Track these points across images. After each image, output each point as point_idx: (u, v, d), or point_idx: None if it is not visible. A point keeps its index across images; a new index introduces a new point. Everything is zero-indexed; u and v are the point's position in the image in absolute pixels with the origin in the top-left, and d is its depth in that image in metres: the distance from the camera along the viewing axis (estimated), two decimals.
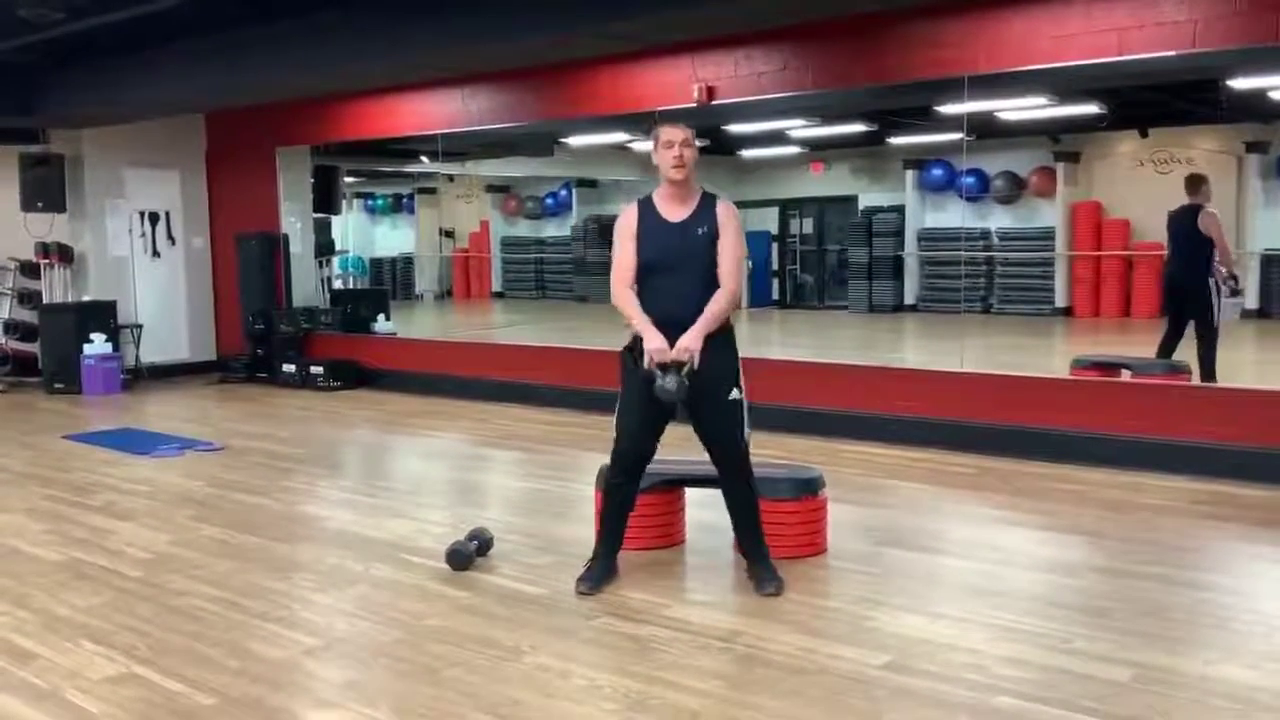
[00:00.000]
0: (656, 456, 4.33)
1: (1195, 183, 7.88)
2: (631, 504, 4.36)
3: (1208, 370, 7.32)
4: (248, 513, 5.75)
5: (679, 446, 4.51)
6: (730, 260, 4.11)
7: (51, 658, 3.70)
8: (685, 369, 4.00)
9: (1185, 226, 7.72)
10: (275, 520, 5.62)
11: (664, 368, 4.01)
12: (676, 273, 4.11)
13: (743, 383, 4.24)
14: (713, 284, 4.14)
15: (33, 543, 5.19)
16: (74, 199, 10.91)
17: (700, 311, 4.07)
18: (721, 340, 4.18)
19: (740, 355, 4.28)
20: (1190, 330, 7.64)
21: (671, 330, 4.06)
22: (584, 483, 5.17)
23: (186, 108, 10.74)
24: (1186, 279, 7.75)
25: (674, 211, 4.16)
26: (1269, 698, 3.23)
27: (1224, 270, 7.78)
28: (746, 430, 4.26)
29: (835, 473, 5.54)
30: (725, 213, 4.16)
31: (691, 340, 4.02)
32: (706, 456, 4.33)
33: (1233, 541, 5.14)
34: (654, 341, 4.03)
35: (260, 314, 10.98)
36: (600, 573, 4.29)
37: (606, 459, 4.39)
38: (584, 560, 4.38)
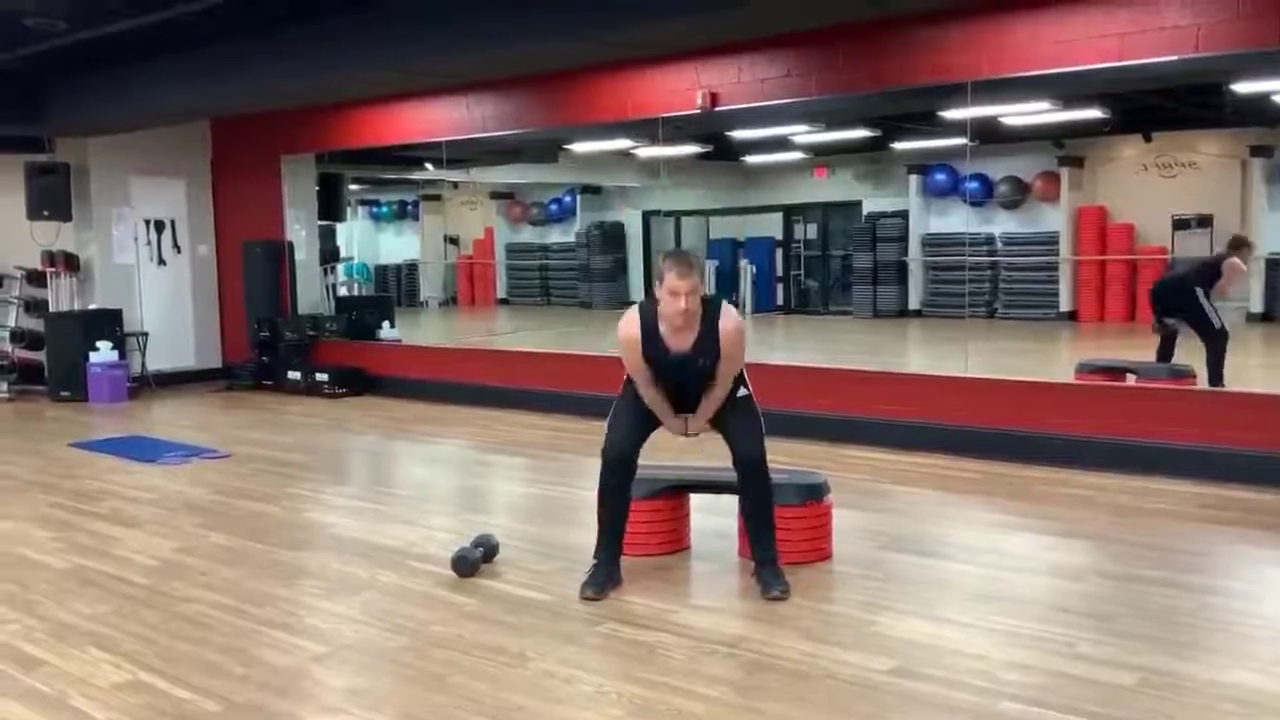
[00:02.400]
0: (661, 462, 4.36)
1: (1238, 244, 8.04)
2: (627, 506, 4.38)
3: (1215, 374, 7.32)
4: (254, 520, 5.76)
5: (682, 452, 4.52)
6: (726, 376, 4.25)
7: (58, 665, 3.71)
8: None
9: (1207, 269, 7.82)
10: (281, 527, 5.63)
11: None
12: (680, 389, 4.31)
13: (748, 381, 4.31)
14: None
15: (40, 550, 5.20)
16: (80, 207, 10.94)
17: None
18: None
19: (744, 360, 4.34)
20: (1188, 331, 7.69)
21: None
22: (588, 489, 5.16)
23: (192, 116, 10.78)
24: (1174, 294, 7.86)
25: (677, 341, 4.18)
26: (1276, 702, 3.23)
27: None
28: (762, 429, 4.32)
29: (840, 478, 5.54)
30: (727, 337, 4.17)
31: (696, 424, 4.37)
32: (710, 463, 4.35)
33: (1239, 546, 5.13)
34: (672, 424, 4.38)
35: (266, 321, 11.01)
36: (604, 577, 4.30)
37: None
38: (588, 566, 4.38)
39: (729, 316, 4.20)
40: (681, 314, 4.06)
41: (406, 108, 9.80)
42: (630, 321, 4.22)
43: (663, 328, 4.17)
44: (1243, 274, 7.80)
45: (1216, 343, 7.48)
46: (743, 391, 4.29)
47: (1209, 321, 7.57)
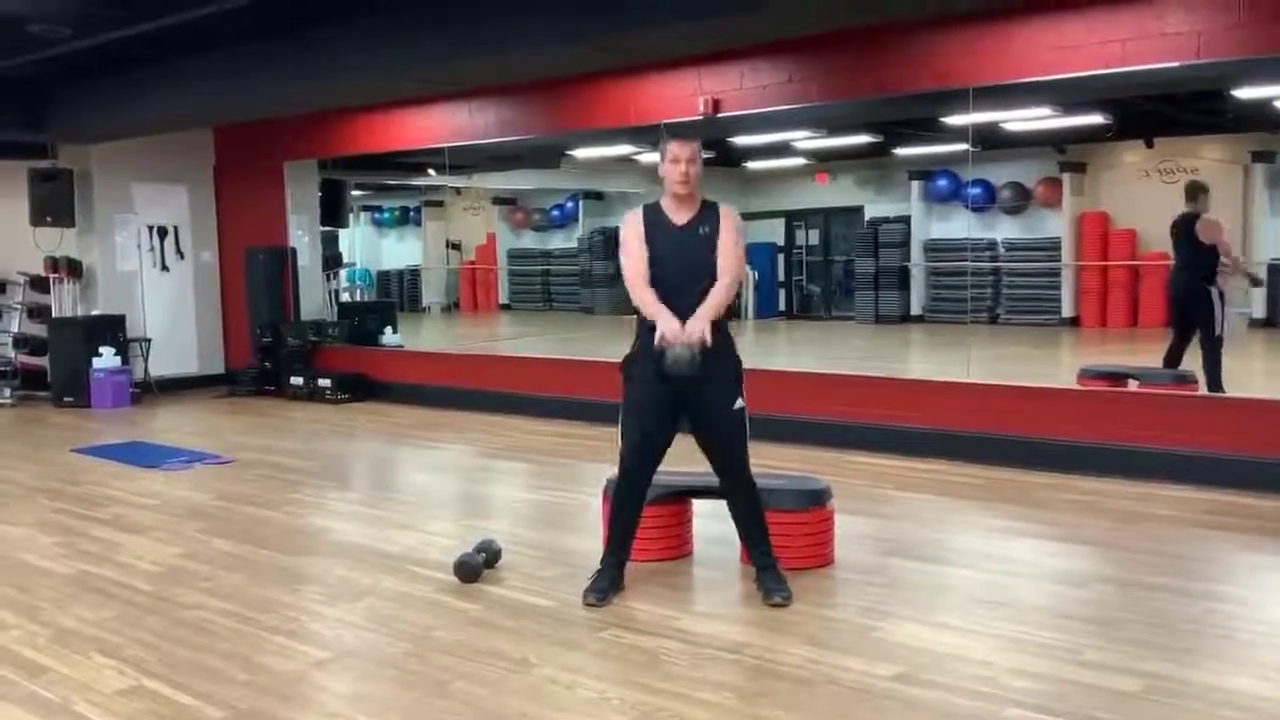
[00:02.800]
0: (664, 468, 4.35)
1: (1193, 191, 7.89)
2: (639, 512, 4.38)
3: (1213, 380, 7.32)
4: (256, 526, 5.77)
5: (686, 458, 4.52)
6: (728, 254, 4.23)
7: (62, 670, 3.71)
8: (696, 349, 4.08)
9: (1185, 235, 7.73)
10: (284, 533, 5.64)
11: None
12: (682, 271, 4.21)
13: (744, 392, 4.28)
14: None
15: (43, 556, 5.20)
16: (83, 214, 10.95)
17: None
18: (722, 349, 4.22)
19: (745, 366, 4.33)
20: (1196, 339, 7.65)
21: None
22: (591, 494, 5.17)
23: (195, 122, 10.79)
24: (1186, 287, 7.77)
25: (679, 216, 4.28)
26: (1278, 708, 3.22)
27: (1238, 268, 7.80)
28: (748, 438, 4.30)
29: (843, 484, 5.54)
30: (726, 215, 4.32)
31: (697, 323, 4.11)
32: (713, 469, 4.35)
33: (1242, 552, 5.13)
34: (671, 324, 4.10)
35: (268, 327, 11.02)
36: (607, 582, 4.30)
37: (613, 470, 4.40)
38: (591, 572, 4.38)
39: (725, 206, 4.34)
40: (684, 180, 4.18)
41: (409, 114, 9.83)
42: (633, 214, 4.34)
43: (665, 205, 4.28)
44: (1220, 227, 7.71)
45: (1212, 347, 7.47)
46: (739, 403, 4.25)
47: (1212, 325, 7.55)
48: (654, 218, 4.28)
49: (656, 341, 4.11)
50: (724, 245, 4.24)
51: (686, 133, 4.35)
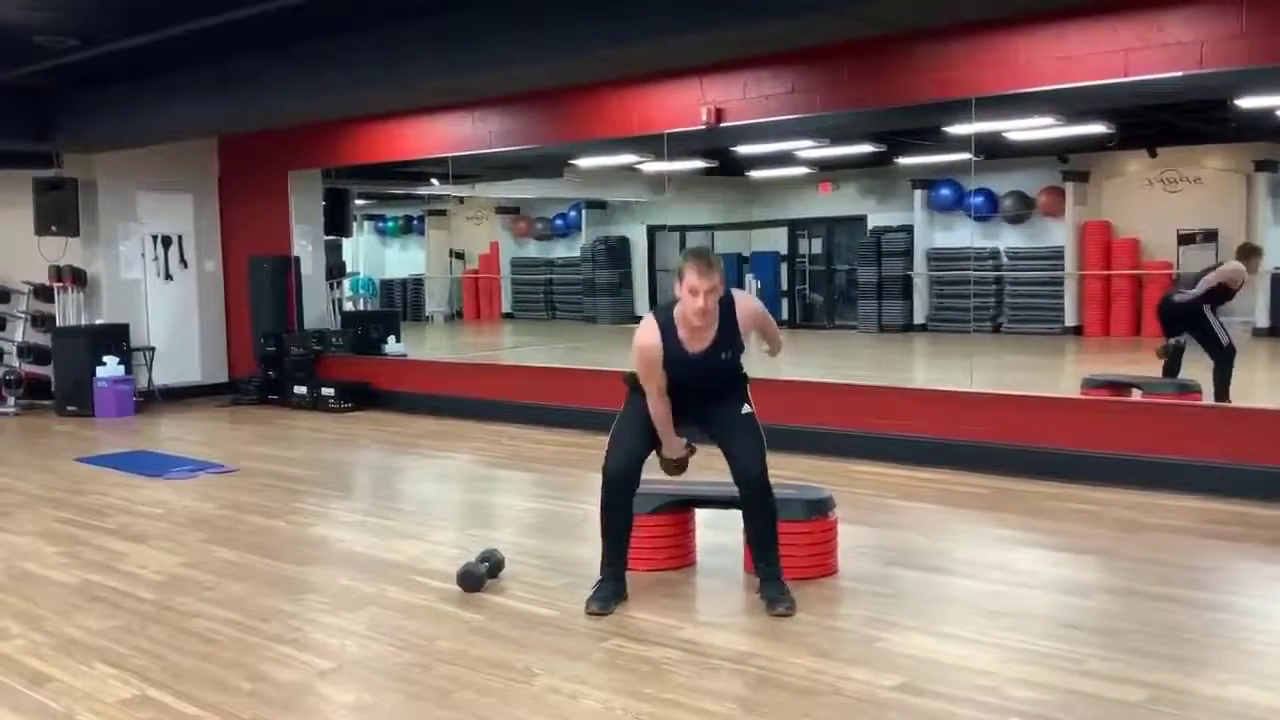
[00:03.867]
0: (666, 478, 4.36)
1: (1247, 253, 8.01)
2: (629, 521, 4.38)
3: (1221, 389, 7.32)
4: (260, 535, 5.77)
5: (690, 468, 4.52)
6: (772, 335, 4.49)
7: (66, 680, 3.71)
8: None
9: (1217, 282, 7.78)
10: (287, 542, 5.64)
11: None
12: (703, 393, 4.25)
13: (751, 399, 4.31)
14: (735, 376, 4.34)
15: (46, 565, 5.21)
16: (87, 223, 10.98)
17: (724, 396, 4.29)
18: (729, 367, 4.28)
19: (749, 376, 4.36)
20: (1195, 347, 7.68)
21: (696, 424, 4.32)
22: (594, 504, 5.16)
23: (199, 132, 10.83)
24: (1181, 309, 7.83)
25: (696, 342, 4.16)
26: None
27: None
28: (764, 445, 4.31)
29: (846, 493, 5.54)
30: (749, 317, 4.26)
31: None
32: (715, 478, 4.35)
33: (1246, 561, 5.12)
34: (672, 443, 4.32)
35: (272, 336, 11.03)
36: (610, 592, 4.30)
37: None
38: (594, 582, 4.38)
39: (742, 300, 4.24)
40: (700, 313, 4.03)
41: (412, 124, 9.85)
42: (648, 329, 4.16)
43: (680, 331, 4.14)
44: (1240, 277, 7.75)
45: (1224, 359, 7.48)
46: (746, 409, 4.28)
47: (1216, 339, 7.57)
48: (670, 343, 4.13)
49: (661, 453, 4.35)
50: (767, 333, 4.41)
51: (708, 259, 4.04)
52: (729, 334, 4.17)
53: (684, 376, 4.17)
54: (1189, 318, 7.73)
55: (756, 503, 4.29)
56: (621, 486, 4.30)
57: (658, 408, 4.22)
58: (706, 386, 4.24)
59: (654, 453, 4.38)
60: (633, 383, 4.29)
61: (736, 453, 4.26)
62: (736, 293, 4.22)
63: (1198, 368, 7.69)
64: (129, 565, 5.17)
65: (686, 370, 4.16)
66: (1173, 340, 7.88)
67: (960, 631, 4.00)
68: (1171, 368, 7.82)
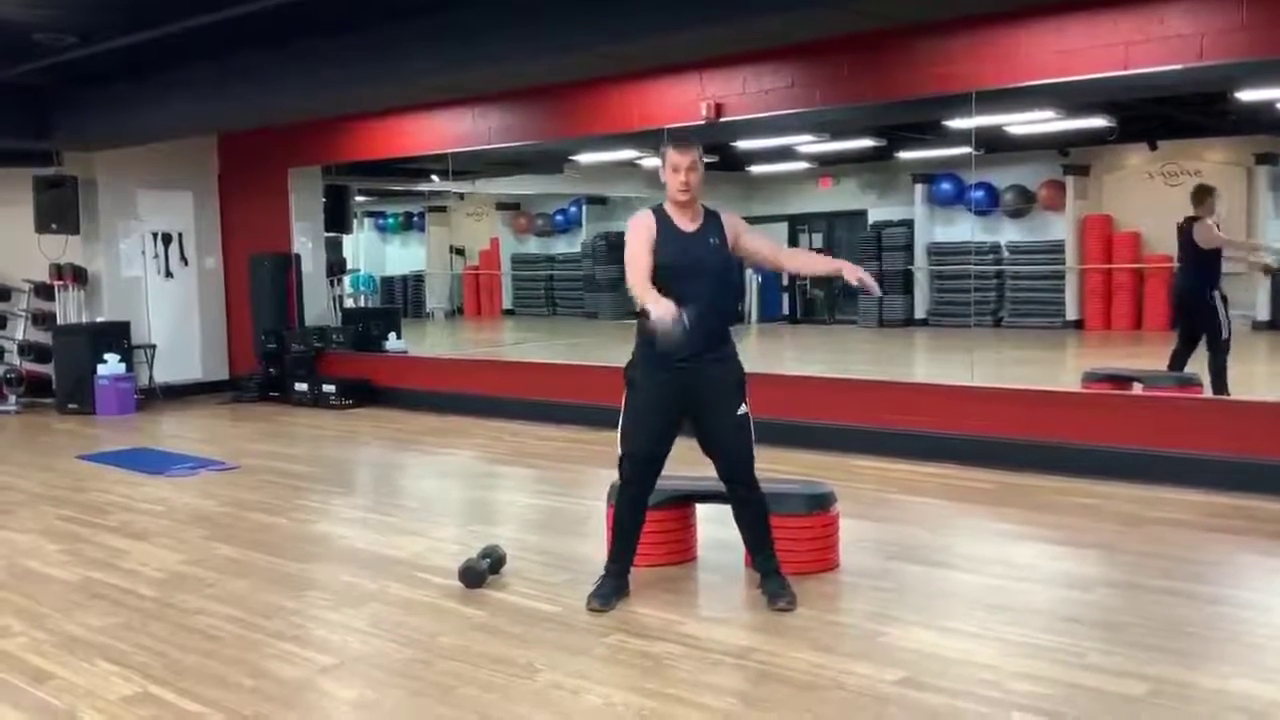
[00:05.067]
0: (668, 472, 4.35)
1: (1198, 195, 7.91)
2: (643, 517, 4.37)
3: (1219, 382, 7.31)
4: (262, 532, 5.77)
5: (689, 463, 4.52)
6: (764, 243, 4.49)
7: (67, 677, 3.72)
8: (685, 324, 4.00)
9: (1187, 240, 7.74)
10: (289, 539, 5.64)
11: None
12: (694, 279, 4.17)
13: (747, 398, 4.29)
14: (726, 293, 4.41)
15: (48, 563, 5.21)
16: (87, 221, 10.98)
17: (718, 317, 4.27)
18: (728, 354, 4.27)
19: (749, 370, 4.34)
20: (1204, 343, 7.65)
21: (695, 335, 4.07)
22: (596, 499, 5.17)
23: (199, 129, 10.83)
24: (1189, 292, 7.80)
25: (684, 223, 4.28)
26: None
27: (1252, 254, 7.80)
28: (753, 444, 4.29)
29: (848, 488, 5.54)
30: (731, 220, 4.36)
31: (852, 270, 4.24)
32: (716, 474, 4.35)
33: (1248, 555, 5.12)
34: (663, 305, 3.91)
35: (273, 333, 11.04)
36: (612, 589, 4.30)
37: (618, 475, 4.40)
38: (596, 577, 4.38)
39: (727, 212, 4.39)
40: (684, 188, 4.17)
41: (412, 120, 9.84)
42: (642, 214, 4.32)
43: (669, 210, 4.27)
44: (1211, 230, 7.71)
45: (1219, 351, 7.47)
46: (742, 409, 4.24)
47: (1218, 330, 7.55)
48: (663, 222, 4.26)
49: (651, 321, 3.97)
50: (755, 238, 4.42)
51: (686, 139, 4.34)
52: (715, 223, 4.28)
53: (679, 257, 4.17)
54: (1196, 302, 7.68)
55: (745, 500, 4.30)
56: (642, 479, 4.28)
57: (641, 287, 4.07)
58: (702, 274, 4.18)
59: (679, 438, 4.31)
60: (633, 376, 4.26)
61: (726, 452, 4.25)
62: (724, 209, 4.39)
63: (1198, 363, 7.69)
64: (130, 562, 5.17)
65: (679, 249, 4.18)
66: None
67: (962, 626, 4.00)
68: (1178, 361, 7.81)
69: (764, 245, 4.50)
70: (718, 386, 4.21)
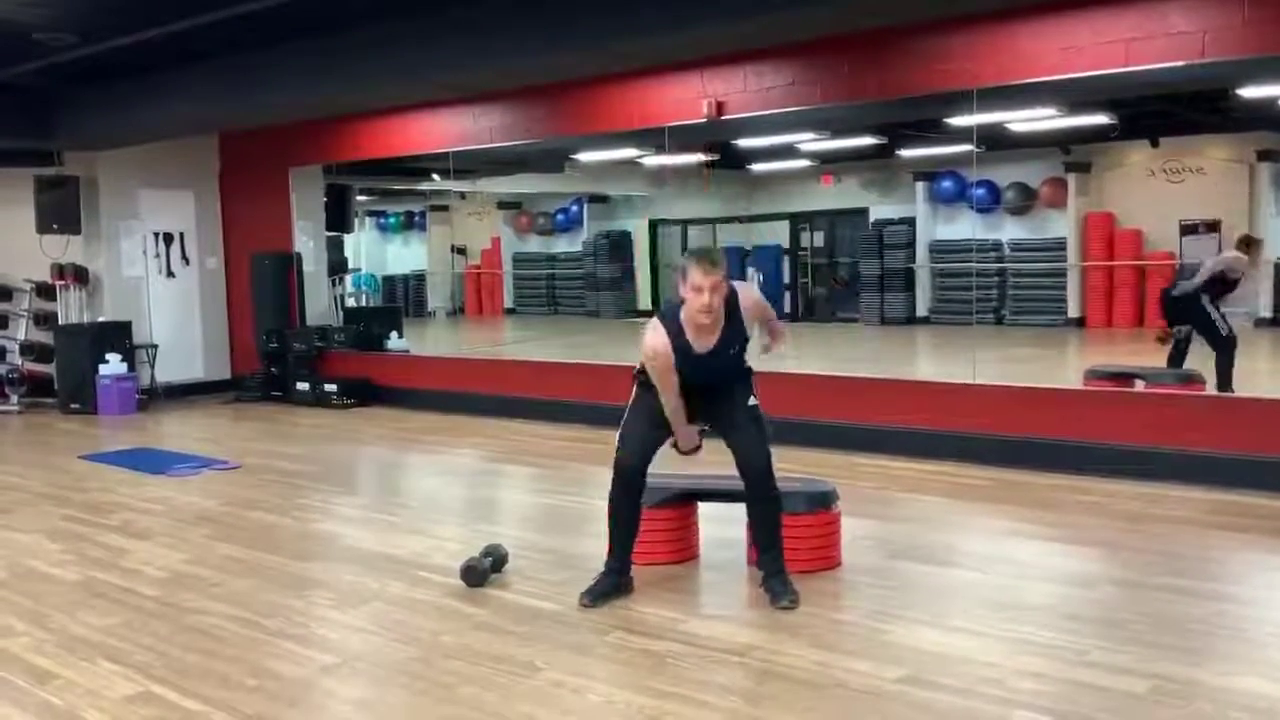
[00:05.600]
0: (670, 471, 4.36)
1: (1246, 244, 8.11)
2: (638, 516, 4.38)
3: (1224, 379, 7.31)
4: (264, 531, 5.77)
5: (690, 462, 4.52)
6: (777, 326, 4.58)
7: (70, 677, 3.72)
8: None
9: (1220, 271, 7.81)
10: (291, 538, 5.64)
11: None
12: (713, 381, 4.25)
13: (756, 391, 4.31)
14: (742, 371, 4.37)
15: (50, 563, 5.21)
16: (89, 220, 10.98)
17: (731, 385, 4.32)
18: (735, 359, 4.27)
19: (753, 369, 4.35)
20: (1199, 340, 7.67)
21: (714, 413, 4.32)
22: (598, 498, 5.16)
23: (200, 128, 10.83)
24: (1179, 301, 7.85)
25: (703, 341, 4.14)
26: None
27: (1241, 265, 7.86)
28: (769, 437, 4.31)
29: (851, 486, 5.54)
30: (752, 310, 4.25)
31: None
32: (719, 471, 4.35)
33: (1251, 552, 5.12)
34: (688, 440, 4.35)
35: (274, 333, 11.04)
36: (605, 587, 4.30)
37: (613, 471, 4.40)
38: (595, 574, 4.39)
39: (744, 291, 4.24)
40: (707, 311, 4.01)
41: (413, 119, 9.84)
42: (656, 332, 4.13)
43: (688, 331, 4.12)
44: (1240, 266, 7.75)
45: (1225, 350, 7.47)
46: (751, 400, 4.29)
47: (1216, 329, 7.56)
48: (678, 343, 4.11)
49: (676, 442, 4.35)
50: (763, 315, 4.38)
51: (711, 256, 4.08)
52: (735, 328, 4.17)
53: (693, 374, 4.18)
54: (1189, 309, 7.73)
55: (761, 496, 4.29)
56: (630, 483, 4.30)
57: (671, 403, 4.20)
58: (715, 381, 4.25)
59: (667, 445, 4.38)
60: (644, 379, 4.28)
61: (741, 446, 4.26)
62: (737, 284, 4.20)
63: (1200, 358, 7.68)
64: (132, 562, 5.17)
65: (695, 368, 4.16)
66: (1176, 328, 7.87)
67: (964, 624, 3.99)
68: (1176, 358, 7.81)
69: (773, 319, 4.53)
70: (725, 387, 4.26)
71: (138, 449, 8.47)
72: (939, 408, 7.19)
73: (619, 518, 4.34)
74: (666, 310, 4.23)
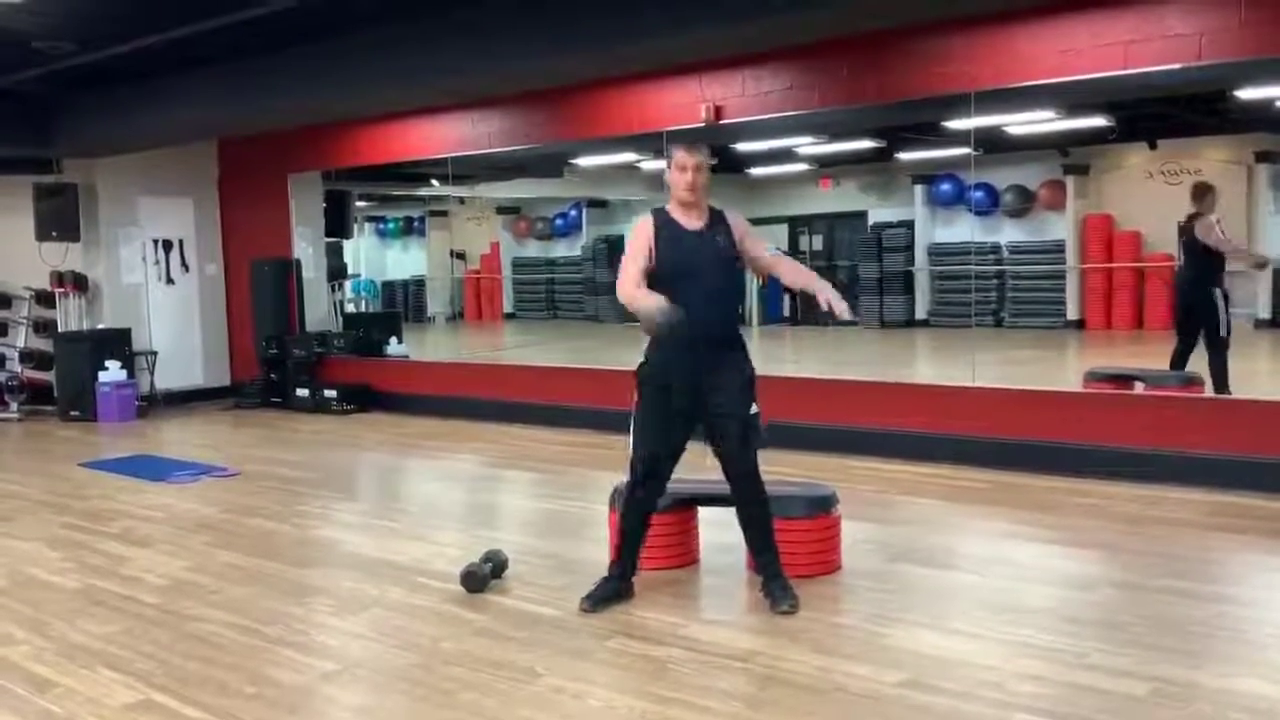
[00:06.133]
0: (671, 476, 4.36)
1: (1198, 192, 7.91)
2: (648, 522, 4.38)
3: (1220, 381, 7.30)
4: (264, 538, 5.77)
5: (691, 466, 4.51)
6: (764, 254, 4.46)
7: (70, 685, 3.71)
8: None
9: (1188, 236, 7.75)
10: (291, 545, 5.64)
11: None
12: (699, 278, 4.18)
13: (757, 401, 4.29)
14: (733, 292, 4.43)
15: (50, 570, 5.21)
16: (88, 228, 10.98)
17: (725, 317, 4.29)
18: (740, 357, 4.29)
19: (756, 371, 4.35)
20: (1203, 341, 7.64)
21: (701, 343, 4.14)
22: (599, 503, 5.16)
23: (200, 134, 10.83)
24: (1191, 289, 7.80)
25: (689, 222, 4.29)
26: None
27: (1240, 256, 7.78)
28: (761, 442, 4.29)
29: (849, 489, 5.54)
30: (737, 221, 4.37)
31: (826, 289, 4.24)
32: (719, 477, 4.35)
33: (1251, 554, 5.12)
34: (653, 299, 4.03)
35: (273, 339, 11.04)
36: (605, 592, 4.31)
37: (620, 478, 4.40)
38: (597, 579, 4.38)
39: (732, 211, 4.40)
40: (690, 188, 4.21)
41: (412, 125, 9.85)
42: (643, 219, 4.35)
43: (674, 211, 4.28)
44: (1210, 227, 7.70)
45: (1218, 349, 7.46)
46: (753, 409, 4.27)
47: (1217, 326, 7.55)
48: (665, 223, 4.27)
49: (642, 319, 4.06)
50: (755, 246, 4.41)
51: (693, 140, 4.40)
52: (722, 223, 4.30)
53: (682, 257, 4.19)
54: (1198, 298, 7.68)
55: (749, 499, 4.29)
56: (651, 484, 4.29)
57: (630, 291, 4.13)
58: (708, 288, 4.17)
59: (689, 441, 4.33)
60: (644, 375, 4.25)
61: (727, 449, 4.26)
62: (729, 209, 4.40)
63: (1199, 360, 7.67)
64: (132, 570, 5.17)
65: (684, 249, 4.20)
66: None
67: (964, 627, 3.99)
68: (1179, 361, 7.80)
69: (762, 251, 4.50)
70: (725, 388, 4.22)
71: (137, 456, 8.47)
72: (937, 410, 7.20)
73: (631, 522, 4.34)
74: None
